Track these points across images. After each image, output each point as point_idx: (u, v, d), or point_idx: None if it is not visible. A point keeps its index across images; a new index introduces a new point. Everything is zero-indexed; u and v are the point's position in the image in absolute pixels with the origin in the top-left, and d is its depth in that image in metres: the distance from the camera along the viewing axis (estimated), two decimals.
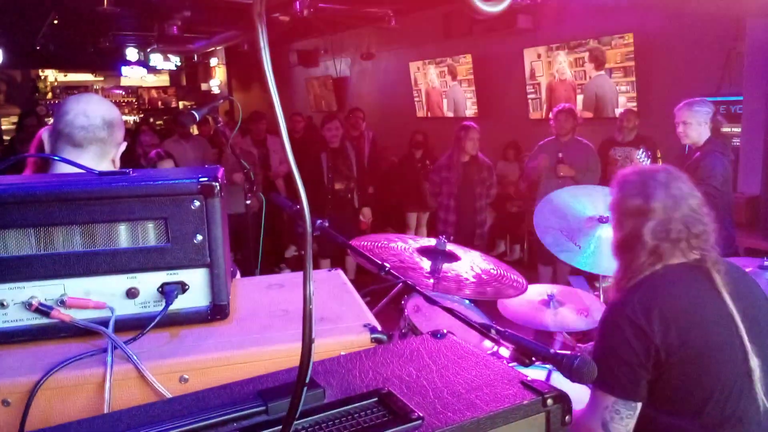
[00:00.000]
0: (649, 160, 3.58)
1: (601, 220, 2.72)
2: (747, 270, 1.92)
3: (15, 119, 11.17)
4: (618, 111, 6.06)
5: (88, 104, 1.59)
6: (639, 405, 1.56)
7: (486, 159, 5.24)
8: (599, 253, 2.52)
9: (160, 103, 15.06)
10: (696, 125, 3.69)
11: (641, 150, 3.67)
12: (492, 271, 2.24)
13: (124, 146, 1.70)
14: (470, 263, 2.28)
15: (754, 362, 1.53)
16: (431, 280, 2.16)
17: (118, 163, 1.67)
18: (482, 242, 5.18)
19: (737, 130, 5.09)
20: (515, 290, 2.21)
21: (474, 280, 2.21)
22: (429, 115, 9.18)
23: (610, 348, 1.59)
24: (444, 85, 8.75)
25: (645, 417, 1.58)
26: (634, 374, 1.54)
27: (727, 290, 1.57)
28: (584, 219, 2.71)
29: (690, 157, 3.81)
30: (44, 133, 1.64)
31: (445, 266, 2.24)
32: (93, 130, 1.57)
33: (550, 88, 7.16)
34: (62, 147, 1.57)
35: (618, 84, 6.36)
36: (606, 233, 2.55)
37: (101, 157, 1.60)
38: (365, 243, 2.28)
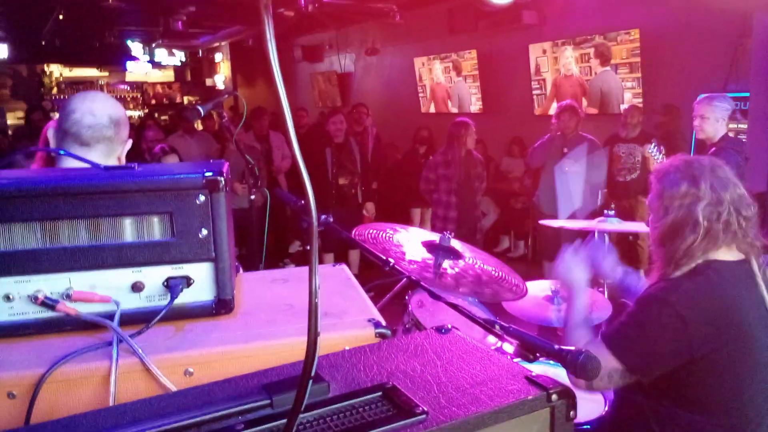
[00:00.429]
0: (661, 154, 3.55)
1: (607, 215, 2.72)
2: None
3: (21, 114, 11.23)
4: (623, 107, 6.03)
5: (94, 103, 1.60)
6: (633, 378, 1.56)
7: (477, 153, 5.27)
8: None
9: (165, 99, 15.07)
10: (713, 121, 3.65)
11: (653, 144, 3.64)
12: (493, 272, 2.23)
13: (129, 143, 1.71)
14: (472, 262, 2.27)
15: None
16: (431, 275, 2.15)
17: (123, 161, 1.68)
18: (482, 236, 5.21)
19: (743, 126, 5.06)
20: (513, 294, 2.20)
21: (473, 279, 2.20)
22: (434, 110, 9.16)
23: (642, 324, 1.58)
24: (449, 81, 8.72)
25: (664, 413, 1.57)
26: (653, 356, 1.54)
27: (765, 288, 1.57)
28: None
29: (703, 153, 3.79)
30: (49, 132, 1.64)
31: (446, 263, 2.23)
32: (100, 129, 1.57)
33: (556, 84, 7.14)
34: (69, 146, 1.57)
35: (624, 80, 6.33)
36: None
37: (108, 156, 1.61)
38: (370, 231, 2.26)
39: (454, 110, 8.68)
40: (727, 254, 1.62)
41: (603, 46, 6.48)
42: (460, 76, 8.48)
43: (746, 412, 1.52)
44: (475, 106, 8.35)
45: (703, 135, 3.76)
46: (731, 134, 4.13)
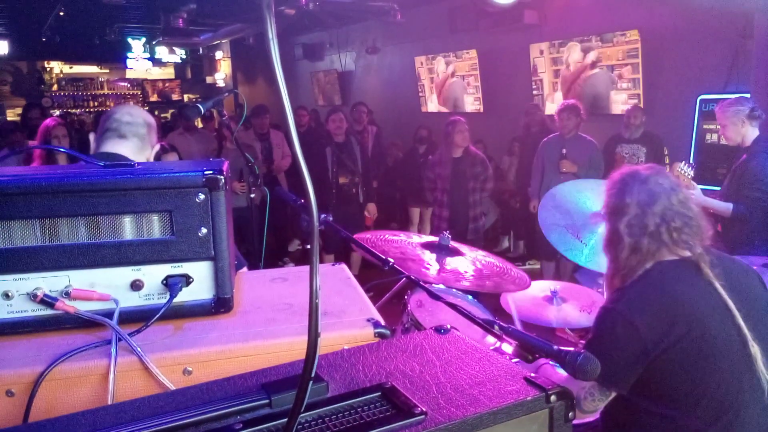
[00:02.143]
0: (692, 169, 3.42)
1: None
2: (754, 267, 1.92)
3: (21, 110, 11.21)
4: (624, 108, 6.04)
5: (132, 108, 1.90)
6: (614, 393, 1.59)
7: (479, 153, 5.18)
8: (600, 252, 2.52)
9: (166, 95, 15.07)
10: (732, 126, 3.49)
11: (684, 163, 3.48)
12: (496, 265, 2.24)
13: (157, 148, 1.90)
14: (473, 258, 2.28)
15: (755, 349, 1.54)
16: (431, 271, 2.16)
17: None
18: (477, 236, 5.14)
19: None
20: (517, 286, 2.21)
21: (474, 274, 2.21)
22: (434, 110, 9.16)
23: (600, 339, 1.63)
24: (449, 80, 8.73)
25: (642, 410, 1.60)
26: (617, 368, 1.57)
27: (720, 281, 1.58)
28: (589, 214, 2.70)
29: (737, 159, 3.59)
30: (90, 135, 1.87)
31: (448, 259, 2.24)
32: (136, 126, 1.80)
33: (551, 85, 7.18)
34: (107, 138, 1.76)
35: (620, 80, 6.36)
36: None
37: (140, 151, 1.79)
38: (368, 236, 2.27)
39: (455, 110, 8.68)
40: (669, 255, 1.65)
41: (598, 46, 6.53)
42: (461, 76, 8.48)
43: (718, 401, 1.53)
44: (475, 105, 8.35)
45: (731, 143, 3.59)
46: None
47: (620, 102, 6.35)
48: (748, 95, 4.30)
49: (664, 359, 1.54)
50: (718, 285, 1.58)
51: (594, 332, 1.67)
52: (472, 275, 2.19)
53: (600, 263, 2.52)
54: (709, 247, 1.68)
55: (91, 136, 1.86)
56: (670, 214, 1.63)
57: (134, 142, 1.79)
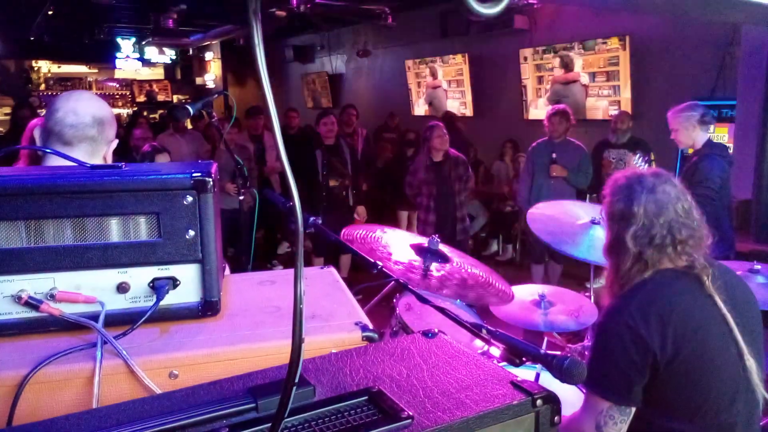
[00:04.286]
0: (647, 164, 3.57)
1: (594, 221, 2.75)
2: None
3: (8, 110, 11.10)
4: (612, 112, 6.11)
5: (78, 102, 1.59)
6: (633, 410, 1.56)
7: (459, 154, 5.21)
8: (594, 247, 2.55)
9: (152, 95, 14.97)
10: (684, 130, 3.66)
11: (638, 155, 3.66)
12: (480, 276, 2.23)
13: (115, 143, 1.70)
14: (459, 266, 2.27)
15: (750, 362, 1.54)
16: (418, 277, 2.16)
17: (110, 161, 1.66)
18: (466, 236, 5.15)
19: (723, 131, 5.15)
20: (499, 299, 2.20)
21: (457, 283, 2.20)
22: (425, 113, 9.19)
23: (607, 354, 1.58)
24: (440, 84, 8.76)
25: (641, 420, 1.58)
26: (629, 380, 1.54)
27: (719, 294, 1.57)
28: (577, 225, 2.74)
29: (688, 161, 3.79)
30: (36, 130, 1.64)
31: (433, 265, 2.23)
32: (82, 128, 1.57)
33: (535, 91, 7.28)
34: (53, 144, 1.56)
35: (600, 88, 6.48)
36: (599, 233, 2.59)
37: (91, 155, 1.59)
38: (359, 231, 2.26)
39: (436, 113, 8.71)
40: (669, 264, 1.63)
41: (568, 57, 6.66)
42: (451, 80, 8.52)
43: (714, 412, 1.54)
44: (465, 109, 8.39)
45: (682, 146, 3.79)
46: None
47: (601, 108, 6.48)
48: (733, 102, 4.37)
49: (668, 371, 1.52)
50: (718, 299, 1.56)
51: (599, 346, 1.62)
52: (455, 284, 2.19)
53: (593, 255, 2.55)
54: (709, 256, 1.65)
55: (36, 132, 1.62)
56: (677, 226, 1.60)
57: (82, 148, 1.57)
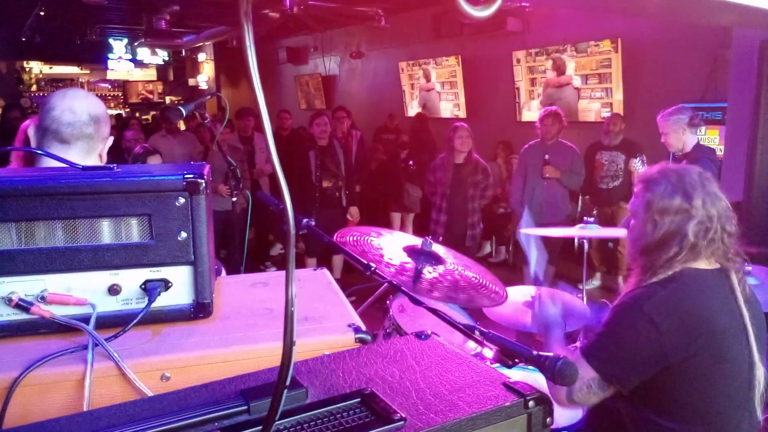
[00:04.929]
0: (645, 167, 3.62)
1: (586, 222, 2.77)
2: None
3: None
4: (604, 114, 6.14)
5: (73, 100, 1.59)
6: (610, 392, 1.57)
7: (481, 160, 5.17)
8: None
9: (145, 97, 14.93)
10: (673, 133, 3.73)
11: (638, 159, 3.69)
12: (472, 279, 2.22)
13: (110, 141, 1.69)
14: (452, 267, 2.26)
15: (760, 371, 1.54)
16: (409, 279, 2.15)
17: (105, 158, 1.66)
18: (474, 243, 5.14)
19: (714, 134, 5.19)
20: (491, 301, 2.19)
21: (448, 285, 2.20)
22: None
23: (617, 335, 1.59)
24: (433, 86, 8.78)
25: (649, 423, 1.58)
26: (628, 366, 1.55)
27: (743, 300, 1.58)
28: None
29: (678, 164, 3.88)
30: (30, 129, 1.63)
31: (426, 267, 2.22)
32: (79, 126, 1.56)
33: (528, 93, 7.33)
34: (49, 143, 1.55)
35: (593, 90, 6.53)
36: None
37: (88, 153, 1.59)
38: (353, 234, 2.25)
39: (438, 115, 8.73)
40: (704, 263, 1.63)
41: (560, 59, 6.71)
42: (444, 81, 8.54)
43: (720, 421, 1.54)
44: (458, 111, 8.41)
45: (672, 149, 3.86)
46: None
47: (593, 110, 6.53)
48: (724, 105, 4.41)
49: (679, 370, 1.53)
50: (742, 302, 1.57)
51: (610, 324, 1.62)
52: (446, 286, 2.18)
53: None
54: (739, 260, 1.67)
55: (31, 131, 1.61)
56: (725, 220, 1.62)
57: (79, 146, 1.57)
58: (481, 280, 2.20)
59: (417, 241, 2.30)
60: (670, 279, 1.61)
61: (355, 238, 2.22)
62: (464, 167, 4.98)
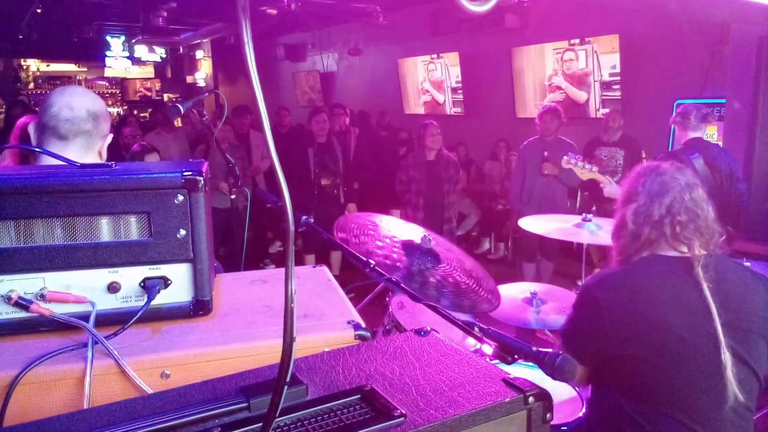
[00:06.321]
0: (582, 162, 3.77)
1: (585, 219, 2.78)
2: None
3: None
4: (605, 111, 6.14)
5: (72, 97, 1.59)
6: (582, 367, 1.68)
7: (451, 155, 5.24)
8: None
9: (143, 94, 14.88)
10: (678, 131, 3.92)
11: (570, 155, 3.87)
12: (465, 282, 2.21)
13: (110, 138, 1.69)
14: (447, 269, 2.25)
15: (726, 356, 1.54)
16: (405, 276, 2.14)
17: (104, 155, 1.66)
18: (451, 237, 5.17)
19: (712, 130, 5.19)
20: (489, 305, 2.19)
21: (438, 285, 2.18)
22: (418, 111, 9.19)
23: (572, 309, 1.74)
24: (431, 83, 8.77)
25: (643, 413, 1.60)
26: (574, 338, 1.69)
27: (709, 285, 1.58)
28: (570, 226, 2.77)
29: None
30: (30, 126, 1.63)
31: (422, 266, 2.22)
32: (78, 122, 1.56)
33: (526, 89, 7.32)
34: (48, 140, 1.56)
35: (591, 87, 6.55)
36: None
37: (87, 150, 1.59)
38: (353, 225, 2.24)
39: (437, 112, 8.72)
40: (671, 251, 1.68)
41: (572, 52, 6.74)
42: (443, 78, 8.53)
43: (692, 405, 1.55)
44: (456, 108, 8.40)
45: (678, 146, 3.99)
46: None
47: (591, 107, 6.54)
48: (722, 101, 4.43)
49: (628, 350, 1.57)
50: (705, 287, 1.58)
51: (571, 309, 1.77)
52: (434, 289, 2.17)
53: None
54: (718, 251, 1.68)
55: (31, 128, 1.62)
56: (678, 208, 1.66)
57: (78, 143, 1.57)
58: (472, 284, 2.18)
59: (415, 236, 2.29)
60: (628, 265, 1.71)
61: (354, 230, 2.20)
62: (436, 164, 5.02)
